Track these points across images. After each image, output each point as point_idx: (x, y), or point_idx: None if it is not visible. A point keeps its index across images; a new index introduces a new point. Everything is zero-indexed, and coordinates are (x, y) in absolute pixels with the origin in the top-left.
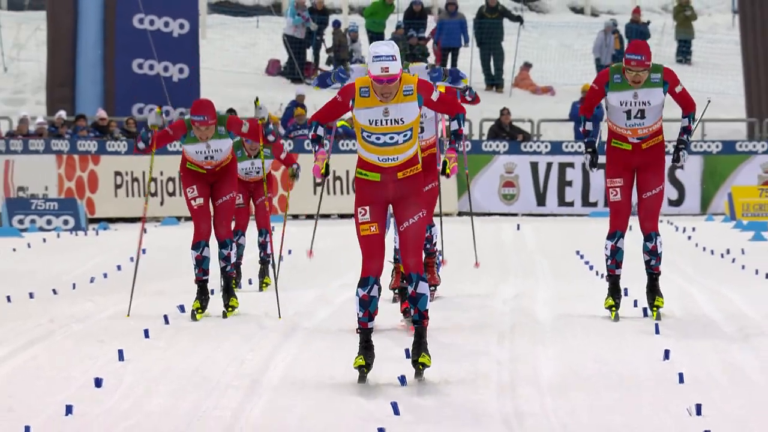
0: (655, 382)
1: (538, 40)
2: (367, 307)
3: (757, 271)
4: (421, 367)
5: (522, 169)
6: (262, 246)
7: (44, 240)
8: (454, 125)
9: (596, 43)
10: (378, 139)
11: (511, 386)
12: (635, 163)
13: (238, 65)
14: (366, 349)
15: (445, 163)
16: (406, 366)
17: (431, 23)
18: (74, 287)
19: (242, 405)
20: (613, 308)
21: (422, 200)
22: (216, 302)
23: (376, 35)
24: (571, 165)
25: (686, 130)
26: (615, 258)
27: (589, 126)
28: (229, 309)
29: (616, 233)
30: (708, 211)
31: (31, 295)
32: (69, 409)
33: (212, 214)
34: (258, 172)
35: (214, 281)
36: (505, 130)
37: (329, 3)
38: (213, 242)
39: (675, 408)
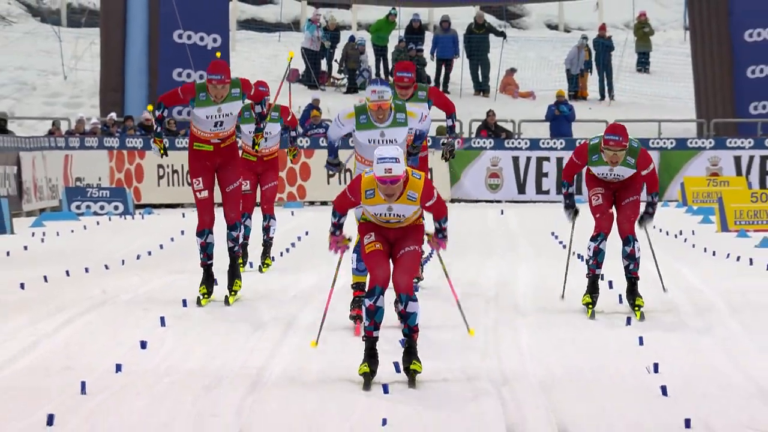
0: (619, 345)
1: (519, 52)
2: (373, 316)
3: (705, 249)
4: (413, 374)
5: (505, 162)
6: (266, 230)
7: (97, 223)
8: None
9: (569, 56)
10: (386, 223)
11: (496, 351)
12: (613, 187)
13: (262, 74)
14: (371, 357)
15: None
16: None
17: (428, 38)
18: (123, 263)
19: (269, 359)
20: (590, 305)
21: (420, 236)
22: (221, 288)
23: (380, 48)
24: (548, 159)
25: (651, 205)
26: (596, 258)
27: (571, 190)
28: (232, 293)
29: (599, 235)
30: (663, 198)
31: (86, 270)
32: (118, 368)
33: (221, 200)
34: (266, 143)
35: (222, 262)
36: (490, 129)
37: (340, 20)
38: (218, 228)
39: (635, 365)
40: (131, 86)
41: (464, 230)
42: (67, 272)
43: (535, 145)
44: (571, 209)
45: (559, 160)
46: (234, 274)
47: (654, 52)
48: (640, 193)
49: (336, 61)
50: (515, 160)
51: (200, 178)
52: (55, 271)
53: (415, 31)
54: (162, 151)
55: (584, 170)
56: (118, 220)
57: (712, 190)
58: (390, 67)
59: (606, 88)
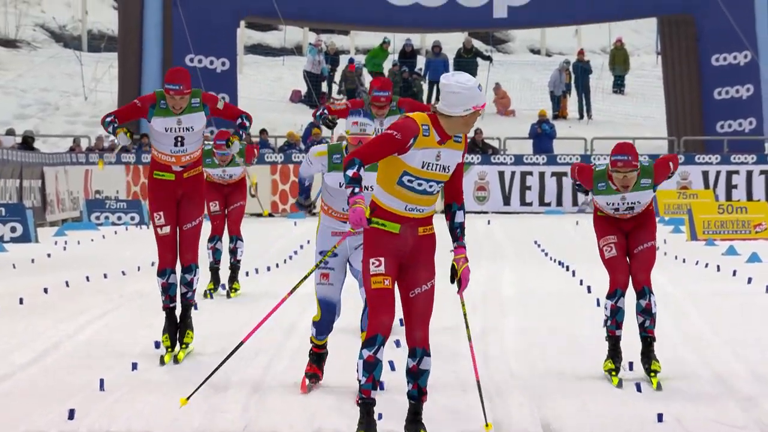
0: (596, 345)
1: (504, 74)
2: (372, 370)
3: (675, 257)
4: None
5: (491, 176)
6: (233, 252)
7: (115, 232)
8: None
9: (551, 78)
10: (420, 185)
11: (483, 348)
12: (625, 227)
13: (267, 95)
14: (368, 424)
15: (453, 268)
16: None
17: (420, 61)
18: (138, 269)
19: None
20: (613, 372)
21: (433, 266)
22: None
23: (375, 73)
24: (531, 173)
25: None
26: (615, 318)
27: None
28: (183, 346)
29: (616, 292)
30: None
31: (105, 276)
32: (134, 366)
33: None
34: (231, 177)
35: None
36: (478, 146)
37: (340, 45)
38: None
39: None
40: None
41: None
42: (87, 278)
43: (519, 160)
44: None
45: (541, 174)
46: (186, 325)
47: (629, 75)
48: (655, 238)
49: (335, 82)
50: (501, 174)
51: (162, 213)
52: (76, 277)
53: (408, 55)
54: (128, 135)
55: (592, 216)
56: (135, 230)
57: (682, 203)
58: None
59: (585, 108)
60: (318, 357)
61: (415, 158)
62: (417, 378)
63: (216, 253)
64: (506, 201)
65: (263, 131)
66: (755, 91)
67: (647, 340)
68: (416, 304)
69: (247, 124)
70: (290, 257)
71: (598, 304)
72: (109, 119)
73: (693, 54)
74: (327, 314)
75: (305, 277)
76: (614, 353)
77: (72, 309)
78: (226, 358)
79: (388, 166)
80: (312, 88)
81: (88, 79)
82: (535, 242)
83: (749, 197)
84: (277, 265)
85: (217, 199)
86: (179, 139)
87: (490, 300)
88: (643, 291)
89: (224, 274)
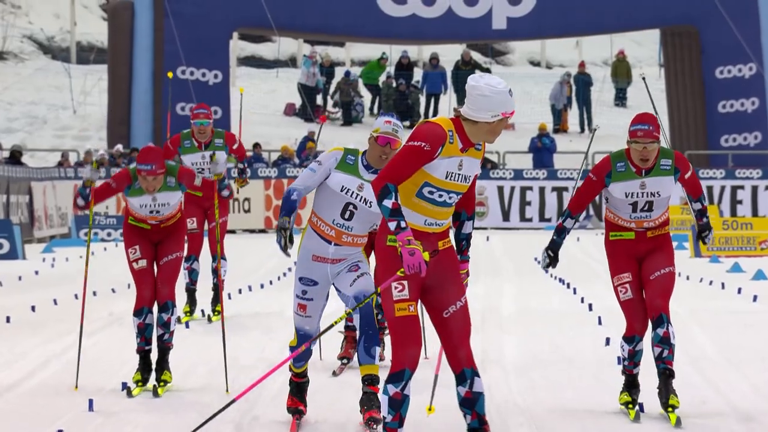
0: (596, 363)
1: None
2: (399, 408)
3: (679, 274)
4: None
5: (491, 191)
6: (215, 272)
7: (105, 249)
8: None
9: (553, 91)
10: (440, 197)
11: (482, 367)
12: (641, 252)
13: (261, 108)
14: None
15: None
16: None
17: (418, 73)
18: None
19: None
20: (630, 405)
21: (461, 280)
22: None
23: (371, 86)
24: (530, 188)
25: (702, 213)
26: (633, 360)
27: (568, 223)
28: (161, 384)
29: (634, 338)
30: None
31: (94, 293)
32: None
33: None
34: (209, 170)
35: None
36: None
37: (335, 57)
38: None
39: (613, 384)
40: (137, 120)
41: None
42: (76, 295)
43: (519, 175)
44: (552, 255)
45: (542, 189)
46: (162, 367)
47: (631, 87)
48: (674, 263)
49: (330, 96)
50: (500, 189)
51: (137, 247)
52: (65, 294)
53: (404, 68)
54: (95, 165)
55: (603, 236)
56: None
57: (686, 218)
58: (381, 100)
59: (586, 121)
60: (298, 388)
61: (439, 168)
62: (474, 405)
63: (192, 274)
64: (506, 217)
65: (256, 145)
66: (760, 105)
67: (666, 372)
68: (453, 323)
69: (226, 190)
70: (284, 274)
71: (600, 323)
72: (85, 194)
73: (696, 66)
74: (302, 341)
75: (327, 330)
76: (631, 386)
77: (60, 328)
78: (217, 413)
79: (410, 182)
80: (307, 101)
81: (76, 91)
82: (536, 259)
83: (754, 213)
84: (271, 282)
85: (195, 215)
86: (154, 211)
87: (489, 318)
88: (661, 319)
89: (202, 296)
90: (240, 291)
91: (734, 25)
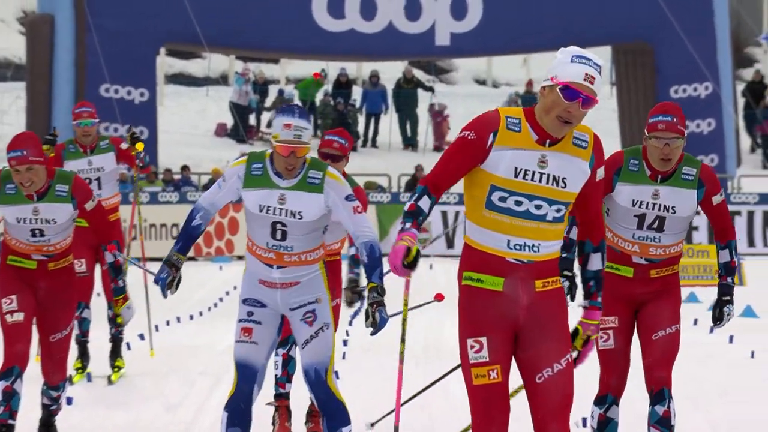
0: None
1: (448, 107)
2: None
3: None
4: None
5: (434, 216)
6: (112, 321)
7: None
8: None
9: None
10: (518, 204)
11: (430, 406)
12: (638, 296)
13: (190, 128)
14: None
15: (576, 330)
16: None
17: (357, 92)
18: None
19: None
20: None
21: (568, 335)
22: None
23: (307, 103)
24: None
25: (729, 269)
26: None
27: (574, 234)
28: None
29: (607, 397)
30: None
31: None
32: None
33: (38, 337)
34: (100, 171)
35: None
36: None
37: (269, 75)
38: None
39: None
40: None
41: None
42: None
43: (463, 200)
44: (569, 276)
45: None
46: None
47: None
48: (680, 318)
49: (266, 110)
50: (444, 214)
51: (14, 297)
52: None
53: (342, 86)
54: None
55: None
56: None
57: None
58: (318, 119)
59: None
60: None
61: (501, 162)
62: None
63: (83, 324)
64: (450, 244)
65: (185, 167)
66: (717, 126)
67: None
68: (545, 391)
69: (119, 260)
70: (215, 305)
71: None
72: None
73: (650, 85)
74: (243, 384)
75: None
76: None
77: None
78: None
79: (472, 184)
80: (239, 120)
81: None
82: None
83: (711, 240)
84: (201, 314)
85: (84, 255)
86: (37, 231)
87: (431, 350)
88: (662, 394)
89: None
90: (168, 323)
91: (690, 43)
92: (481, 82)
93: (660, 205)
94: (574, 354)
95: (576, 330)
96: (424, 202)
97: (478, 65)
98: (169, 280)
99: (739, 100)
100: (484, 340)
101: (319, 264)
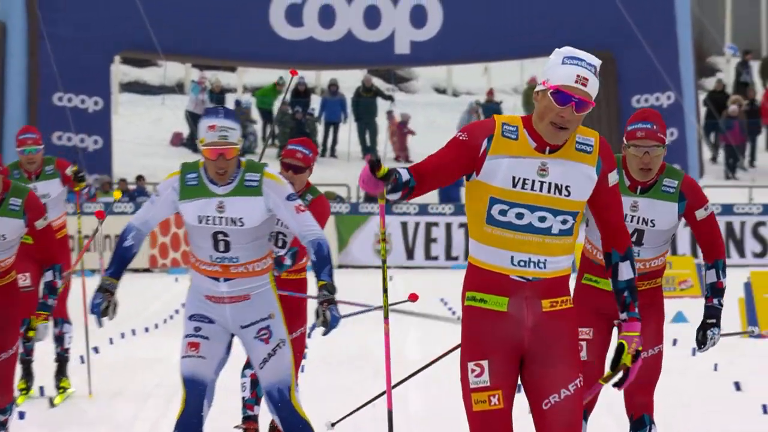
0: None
1: (411, 117)
2: None
3: None
4: None
5: (394, 227)
6: (58, 339)
7: None
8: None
9: (460, 121)
10: (520, 216)
11: (384, 417)
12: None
13: (145, 137)
14: None
15: (621, 346)
16: None
17: (315, 101)
18: None
19: None
20: None
21: (578, 358)
22: None
23: (265, 112)
24: (436, 224)
25: (716, 291)
26: None
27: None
28: None
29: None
30: None
31: None
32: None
33: None
34: (46, 197)
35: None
36: None
37: (226, 83)
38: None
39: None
40: (9, 150)
41: (352, 297)
42: None
43: (424, 210)
44: None
45: (448, 225)
46: None
47: None
48: (662, 340)
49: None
50: (404, 225)
51: None
52: None
53: (301, 95)
54: None
55: (576, 278)
56: None
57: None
58: (276, 129)
59: None
60: None
61: (498, 171)
62: None
63: (28, 343)
64: (410, 255)
65: (140, 178)
66: (679, 136)
67: None
68: (552, 418)
69: (56, 282)
70: (170, 317)
71: None
72: None
73: (612, 93)
74: (193, 398)
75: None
76: None
77: None
78: None
79: (472, 198)
80: (195, 130)
81: None
82: (442, 300)
83: (674, 251)
84: (156, 326)
85: (29, 269)
86: None
87: (393, 363)
88: (642, 421)
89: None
90: (123, 335)
91: (652, 52)
92: (442, 91)
93: (639, 217)
94: (619, 374)
95: (620, 346)
96: (403, 172)
97: (437, 74)
98: (104, 306)
99: (701, 109)
100: (485, 363)
101: (269, 275)
